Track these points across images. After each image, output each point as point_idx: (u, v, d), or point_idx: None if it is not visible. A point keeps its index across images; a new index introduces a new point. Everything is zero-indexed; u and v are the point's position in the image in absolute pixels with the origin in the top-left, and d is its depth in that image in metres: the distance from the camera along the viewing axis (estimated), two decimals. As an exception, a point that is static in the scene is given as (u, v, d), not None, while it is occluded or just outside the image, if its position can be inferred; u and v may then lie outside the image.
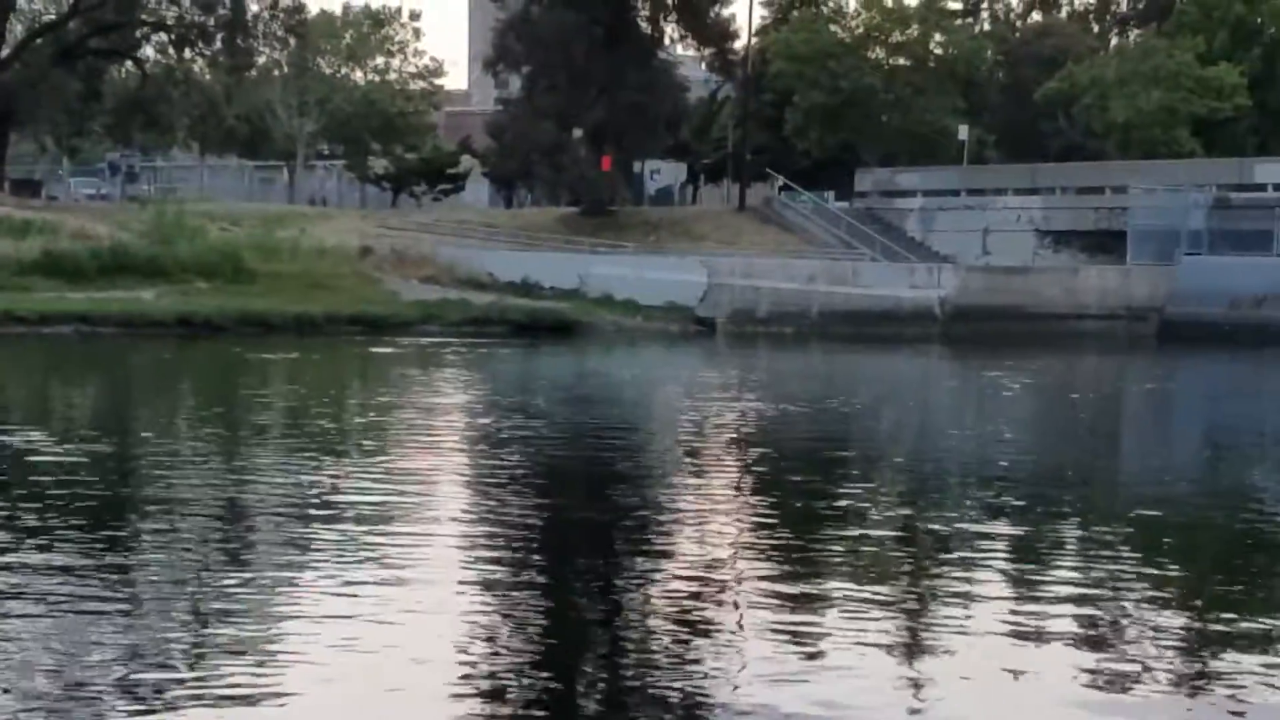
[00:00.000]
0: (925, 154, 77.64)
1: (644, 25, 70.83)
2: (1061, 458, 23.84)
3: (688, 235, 66.72)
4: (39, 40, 71.17)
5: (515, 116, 70.54)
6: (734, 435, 25.06)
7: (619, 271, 56.28)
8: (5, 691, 9.18)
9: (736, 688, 9.71)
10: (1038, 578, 13.46)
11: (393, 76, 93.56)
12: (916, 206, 71.38)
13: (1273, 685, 10.06)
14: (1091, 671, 10.27)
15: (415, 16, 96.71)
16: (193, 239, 53.73)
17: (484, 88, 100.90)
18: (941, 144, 78.24)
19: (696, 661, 10.28)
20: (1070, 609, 12.26)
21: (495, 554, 14.12)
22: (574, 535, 15.81)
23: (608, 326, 52.48)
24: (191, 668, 9.81)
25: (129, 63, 75.44)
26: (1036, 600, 12.49)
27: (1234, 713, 9.39)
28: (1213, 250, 58.88)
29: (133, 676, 9.57)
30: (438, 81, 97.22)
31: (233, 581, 12.41)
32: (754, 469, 21.34)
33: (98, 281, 48.85)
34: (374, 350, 42.89)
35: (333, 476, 18.41)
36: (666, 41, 72.56)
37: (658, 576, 13.28)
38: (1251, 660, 10.67)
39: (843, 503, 17.73)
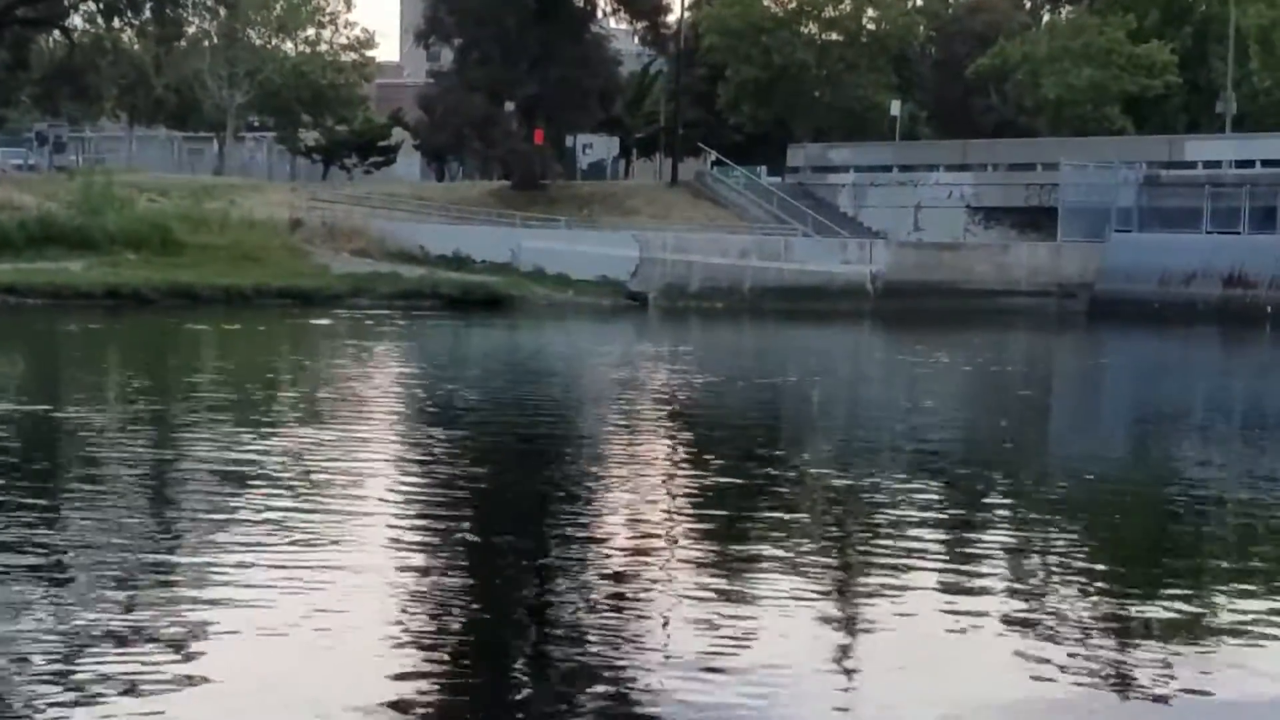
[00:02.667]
0: (857, 130, 77.78)
1: (576, -2, 70.58)
2: (990, 432, 23.96)
3: (620, 210, 66.63)
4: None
5: (447, 89, 70.13)
6: (665, 408, 25.05)
7: (551, 245, 56.16)
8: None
9: (666, 664, 9.67)
10: (967, 551, 13.50)
11: (324, 48, 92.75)
12: (848, 182, 71.50)
13: (1199, 665, 10.11)
14: (1019, 652, 10.28)
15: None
16: (121, 210, 53.21)
17: (416, 60, 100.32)
18: (873, 120, 78.45)
19: (625, 642, 10.21)
20: (1000, 582, 12.31)
21: (424, 524, 14.05)
22: (505, 507, 15.75)
23: (540, 300, 52.35)
24: (121, 643, 9.70)
25: (57, 32, 74.46)
26: (967, 576, 12.51)
27: (1158, 697, 9.44)
28: (1143, 228, 59.27)
29: (62, 655, 9.45)
30: (369, 53, 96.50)
31: (160, 553, 12.28)
32: (685, 441, 21.35)
33: (25, 253, 48.36)
34: (305, 323, 42.66)
35: (262, 447, 18.26)
36: (599, 15, 72.32)
37: (588, 549, 13.24)
38: (1174, 642, 10.73)
39: (774, 473, 17.76)
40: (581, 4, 70.54)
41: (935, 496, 16.56)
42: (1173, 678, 9.66)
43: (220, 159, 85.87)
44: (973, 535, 14.22)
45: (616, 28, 76.99)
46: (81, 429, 20.05)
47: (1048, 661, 9.93)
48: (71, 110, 79.98)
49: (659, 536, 13.98)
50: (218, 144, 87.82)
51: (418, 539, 13.38)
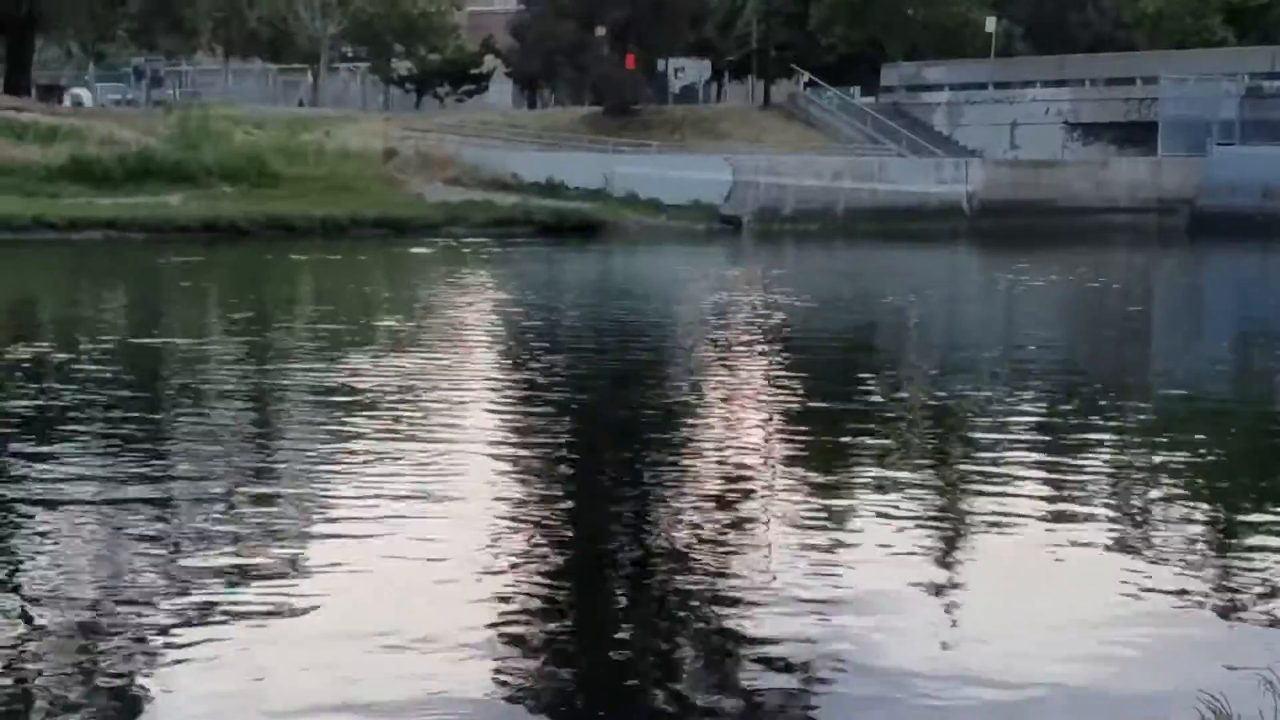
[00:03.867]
0: (952, 48, 76.82)
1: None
2: (1089, 349, 23.77)
3: (712, 133, 66.34)
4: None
5: (538, 15, 70.07)
6: (761, 332, 25.00)
7: (643, 171, 56.03)
8: (37, 602, 9.24)
9: (766, 592, 9.67)
10: (1068, 472, 13.40)
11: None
12: (943, 101, 70.81)
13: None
14: (1125, 574, 10.22)
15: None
16: (217, 143, 53.60)
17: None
18: (968, 37, 77.45)
19: (724, 572, 10.22)
20: (1101, 506, 12.22)
21: (523, 453, 14.12)
22: (602, 433, 15.82)
23: (632, 226, 52.32)
24: (221, 576, 9.86)
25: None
26: (1069, 497, 12.42)
27: (1265, 618, 9.36)
28: (1245, 140, 58.36)
29: (164, 587, 9.62)
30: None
31: (265, 485, 12.45)
32: (782, 364, 21.31)
33: (124, 187, 48.84)
34: (402, 252, 42.90)
35: (366, 376, 18.41)
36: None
37: (686, 477, 13.26)
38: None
39: (872, 396, 17.70)
40: (673, -74, 70.07)
41: (1036, 417, 16.46)
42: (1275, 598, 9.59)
43: (314, 90, 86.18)
44: (1074, 456, 14.11)
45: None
46: (190, 359, 20.30)
47: (1150, 583, 9.88)
48: (168, 44, 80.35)
49: (757, 462, 14.00)
50: (311, 75, 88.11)
51: (516, 468, 13.46)
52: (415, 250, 43.23)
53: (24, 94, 66.45)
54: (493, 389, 18.47)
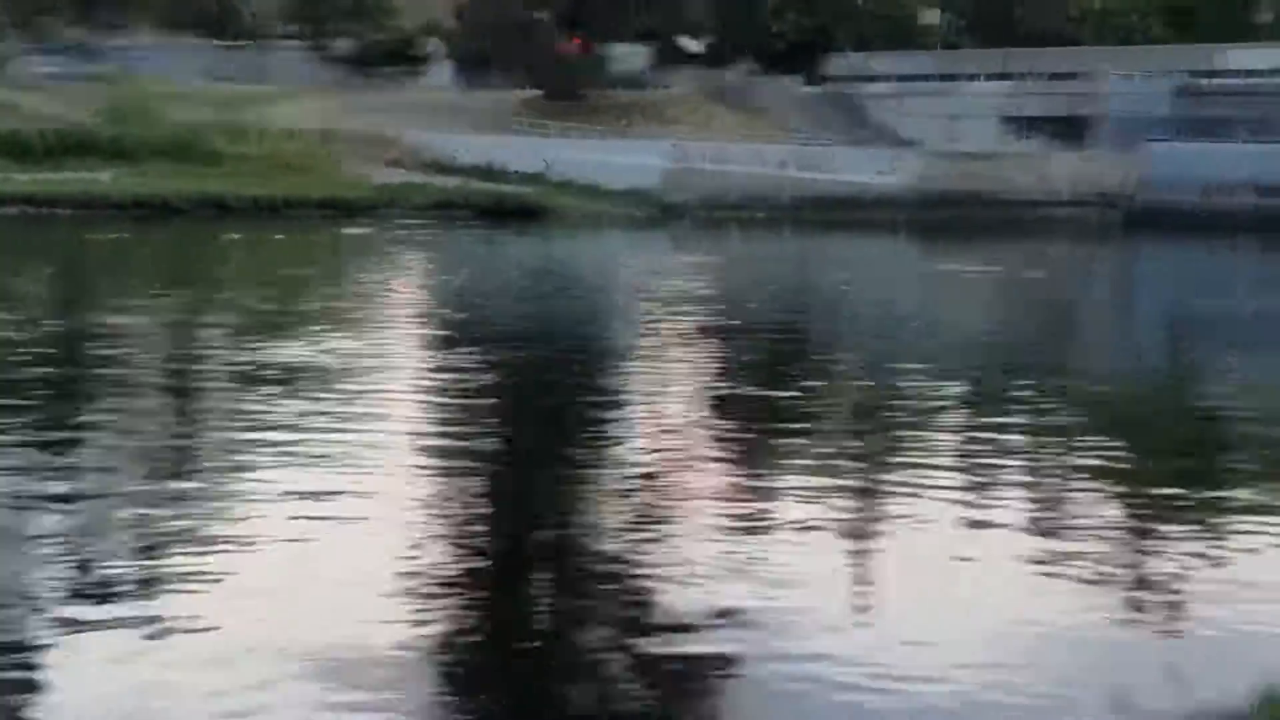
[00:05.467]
0: (899, 39, 76.81)
1: (614, -96, 69.76)
2: (1018, 338, 23.64)
3: (659, 119, 66.04)
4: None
5: (482, -2, 69.59)
6: (694, 319, 24.73)
7: (585, 156, 55.71)
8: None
9: (685, 584, 9.41)
10: (988, 458, 13.20)
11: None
12: (887, 92, 70.70)
13: (1209, 596, 9.79)
14: (1037, 560, 10.03)
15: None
16: (153, 120, 52.96)
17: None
18: (914, 29, 77.43)
19: (643, 555, 9.95)
20: (1017, 491, 12.04)
21: (444, 438, 13.81)
22: (529, 419, 15.52)
23: (573, 211, 51.97)
24: (138, 555, 9.52)
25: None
26: (986, 485, 12.23)
27: (1171, 595, 9.19)
28: (1183, 137, 58.51)
29: (60, 589, 9.26)
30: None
31: (175, 482, 12.07)
32: (712, 352, 21.05)
33: (53, 162, 48.14)
34: (337, 233, 42.45)
35: (290, 355, 18.05)
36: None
37: (609, 466, 12.99)
38: (1192, 542, 10.48)
39: (802, 384, 17.48)
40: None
41: (961, 404, 16.27)
42: (1190, 606, 9.38)
43: (256, 68, 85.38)
44: (995, 442, 13.91)
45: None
46: (110, 337, 19.87)
47: (1061, 569, 9.69)
48: (106, 18, 79.46)
49: (681, 446, 13.73)
50: (253, 52, 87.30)
51: (436, 457, 13.09)
52: (352, 231, 42.78)
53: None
54: (419, 374, 18.13)
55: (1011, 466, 13.11)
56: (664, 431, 14.50)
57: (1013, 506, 11.52)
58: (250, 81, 77.92)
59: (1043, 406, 16.48)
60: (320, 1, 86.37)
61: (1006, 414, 15.76)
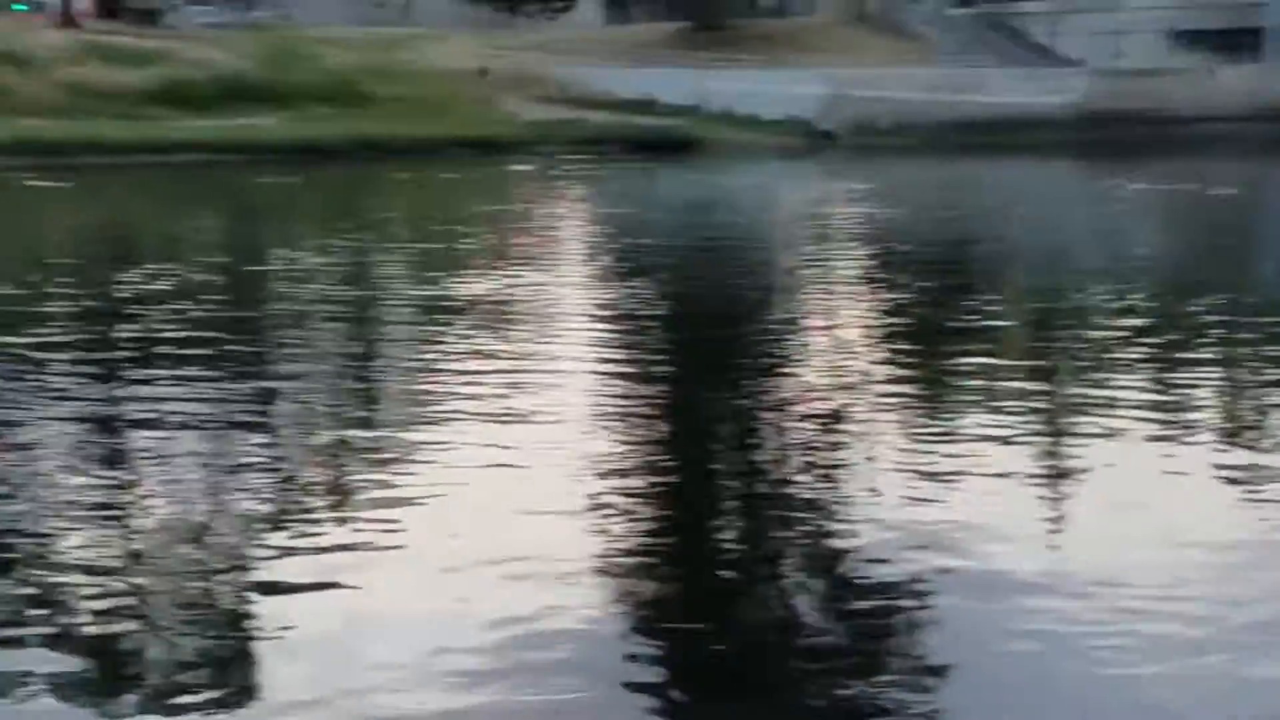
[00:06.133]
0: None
1: None
2: (1204, 260, 23.21)
3: (807, 47, 65.52)
4: None
5: (629, -70, 69.38)
6: (858, 246, 24.60)
7: (737, 86, 55.45)
8: (141, 531, 9.10)
9: (869, 523, 9.36)
10: (1182, 388, 12.98)
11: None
12: (1044, 10, 69.48)
13: None
14: (1241, 491, 9.86)
15: None
16: (309, 65, 53.54)
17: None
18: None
19: (826, 503, 9.90)
20: (1218, 423, 11.82)
21: (619, 381, 13.84)
22: (702, 359, 15.53)
23: (727, 142, 51.80)
24: (337, 476, 9.69)
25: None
26: (1182, 416, 12.02)
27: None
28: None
29: (265, 515, 9.45)
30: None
31: (362, 408, 12.28)
32: (880, 282, 20.92)
33: (216, 110, 48.91)
34: (495, 170, 42.72)
35: (465, 291, 18.23)
36: None
37: (785, 401, 12.93)
38: None
39: (975, 312, 17.29)
40: None
41: (1148, 330, 16.01)
42: None
43: (405, 10, 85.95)
44: (1188, 371, 13.68)
45: None
46: (294, 278, 20.20)
47: (1267, 496, 9.52)
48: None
49: (859, 380, 13.64)
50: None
51: (611, 390, 13.14)
52: (512, 168, 43.03)
53: (118, 18, 66.68)
54: (588, 307, 18.22)
55: (1212, 396, 12.88)
56: (842, 366, 14.42)
57: (1217, 436, 11.30)
58: (404, 24, 78.58)
59: (1238, 329, 16.16)
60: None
61: (1200, 341, 15.46)
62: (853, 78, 55.97)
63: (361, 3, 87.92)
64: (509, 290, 18.59)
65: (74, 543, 8.56)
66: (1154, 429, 11.26)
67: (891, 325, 16.77)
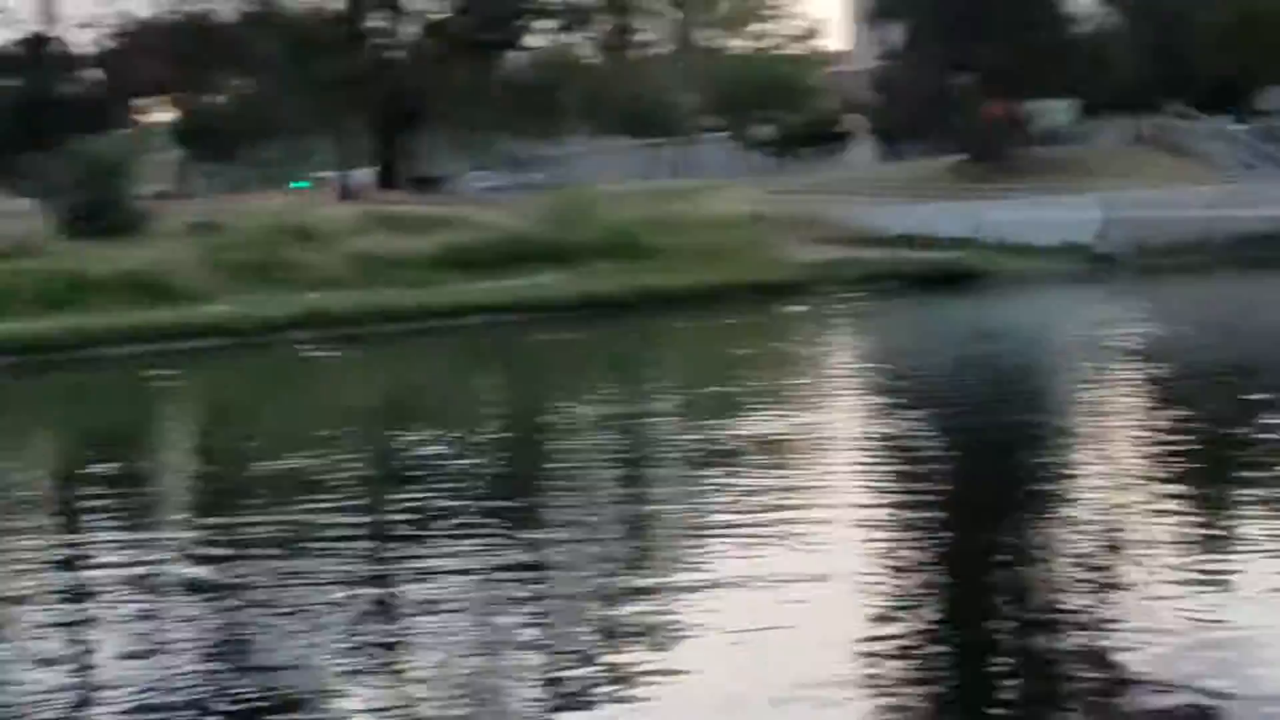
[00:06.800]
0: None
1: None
2: None
3: (1084, 171, 64.84)
4: (429, 39, 73.43)
5: (900, 67, 69.83)
6: (1142, 365, 24.26)
7: (1013, 215, 55.07)
8: (423, 682, 9.48)
9: (1144, 650, 9.27)
10: None
11: (771, 42, 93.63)
12: (1326, 119, 67.93)
13: None
14: None
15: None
16: (589, 221, 54.63)
17: (862, 46, 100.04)
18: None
19: (1109, 620, 9.82)
20: None
21: (897, 515, 13.90)
22: (979, 494, 15.52)
23: (1005, 272, 51.37)
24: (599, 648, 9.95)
25: (518, 52, 77.03)
26: None
27: None
28: None
29: (548, 650, 9.76)
30: (816, 43, 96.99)
31: (664, 547, 12.57)
32: (1164, 398, 20.62)
33: (499, 271, 50.09)
34: (778, 313, 42.99)
35: (749, 432, 18.48)
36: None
37: (1068, 518, 12.87)
38: None
39: (1259, 436, 16.92)
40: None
41: None
42: None
43: (679, 162, 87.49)
44: None
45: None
46: (575, 430, 20.69)
47: None
48: (535, 128, 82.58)
49: (1141, 498, 13.50)
50: (676, 147, 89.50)
51: (889, 530, 13.22)
52: (792, 309, 43.29)
53: (399, 188, 69.09)
54: (870, 444, 18.31)
55: None
56: (1121, 483, 14.29)
57: None
58: (679, 176, 79.96)
59: None
60: (739, 90, 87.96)
61: None
62: (1130, 199, 55.18)
63: (637, 159, 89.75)
64: (787, 430, 18.82)
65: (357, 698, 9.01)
66: None
67: (1177, 443, 16.52)
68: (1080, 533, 12.23)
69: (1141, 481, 14.41)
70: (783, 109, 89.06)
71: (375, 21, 72.31)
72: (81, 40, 68.01)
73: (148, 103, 74.33)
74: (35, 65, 65.48)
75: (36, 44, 64.89)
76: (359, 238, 50.85)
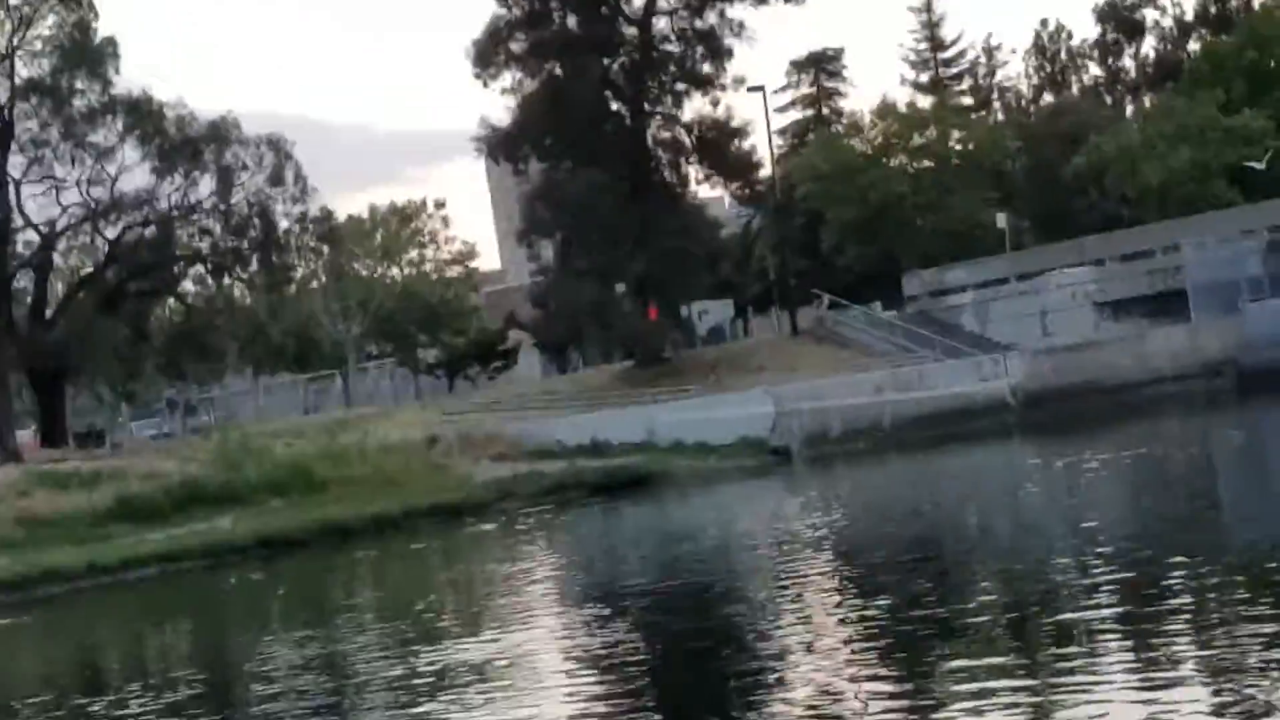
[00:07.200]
0: (965, 249, 77.39)
1: (667, 172, 71.18)
2: (1159, 530, 23.21)
3: (746, 368, 66.40)
4: (80, 293, 71.95)
5: (556, 282, 70.84)
6: (827, 561, 24.54)
7: (685, 416, 55.84)
8: None
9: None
10: (1162, 662, 12.87)
11: (428, 266, 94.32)
12: (969, 301, 70.98)
13: None
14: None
15: (440, 205, 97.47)
16: (260, 460, 53.62)
17: (517, 263, 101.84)
18: (979, 237, 78.05)
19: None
20: (1198, 690, 11.69)
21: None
22: (694, 689, 15.35)
23: (683, 472, 51.91)
24: None
25: (171, 299, 76.00)
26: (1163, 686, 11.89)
27: None
28: (1275, 293, 58.22)
29: None
30: (472, 264, 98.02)
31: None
32: (853, 586, 20.84)
33: (173, 517, 48.70)
34: (461, 534, 42.60)
35: (444, 658, 18.02)
36: (692, 184, 72.88)
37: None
38: None
39: (948, 608, 17.18)
40: (673, 178, 71.21)
41: (1126, 613, 15.89)
42: None
43: (346, 392, 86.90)
44: (1160, 634, 13.59)
45: (709, 195, 77.58)
46: (263, 678, 19.91)
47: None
48: (197, 372, 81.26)
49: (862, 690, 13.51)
50: (341, 379, 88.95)
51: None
52: (474, 530, 42.96)
53: (62, 444, 67.00)
54: (571, 663, 18.02)
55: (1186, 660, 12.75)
56: (835, 674, 14.29)
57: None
58: (348, 406, 79.32)
59: (1202, 592, 16.12)
60: (400, 317, 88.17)
61: (1171, 609, 15.40)
62: (798, 391, 56.54)
63: (304, 393, 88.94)
64: (490, 654, 18.40)
65: None
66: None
67: (871, 625, 16.65)
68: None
69: (848, 665, 14.45)
70: (446, 331, 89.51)
71: (21, 282, 70.55)
72: None
73: None
74: None
75: None
76: (22, 499, 49.07)
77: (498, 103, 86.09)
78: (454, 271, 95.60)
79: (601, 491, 49.19)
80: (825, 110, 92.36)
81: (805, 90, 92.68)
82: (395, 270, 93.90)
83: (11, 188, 67.73)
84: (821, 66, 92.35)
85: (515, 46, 69.28)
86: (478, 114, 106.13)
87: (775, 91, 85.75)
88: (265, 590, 36.10)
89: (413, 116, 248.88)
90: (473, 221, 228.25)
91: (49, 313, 70.40)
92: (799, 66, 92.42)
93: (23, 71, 67.47)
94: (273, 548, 44.21)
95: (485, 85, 69.74)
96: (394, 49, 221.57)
